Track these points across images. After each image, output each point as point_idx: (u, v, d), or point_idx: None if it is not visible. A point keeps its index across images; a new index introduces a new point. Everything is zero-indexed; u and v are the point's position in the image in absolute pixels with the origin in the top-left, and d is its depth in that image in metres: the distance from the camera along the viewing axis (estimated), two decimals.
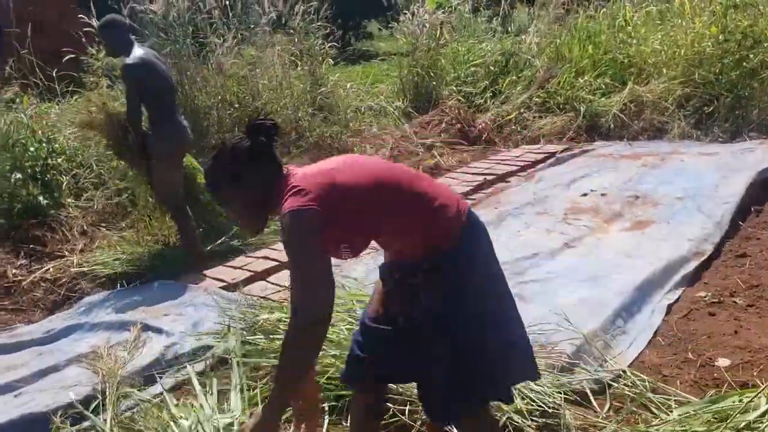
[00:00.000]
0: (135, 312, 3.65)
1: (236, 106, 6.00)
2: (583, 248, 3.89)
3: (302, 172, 1.75)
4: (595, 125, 6.56)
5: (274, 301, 3.48)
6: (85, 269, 4.30)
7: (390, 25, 9.29)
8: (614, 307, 3.09)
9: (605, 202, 4.58)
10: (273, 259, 4.18)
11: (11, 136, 4.95)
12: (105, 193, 5.10)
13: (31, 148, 5.00)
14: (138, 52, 3.94)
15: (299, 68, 6.44)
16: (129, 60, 3.88)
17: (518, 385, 2.26)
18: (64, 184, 5.07)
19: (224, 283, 3.90)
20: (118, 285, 4.05)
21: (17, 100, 5.23)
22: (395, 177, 1.78)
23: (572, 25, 7.75)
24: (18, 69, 5.47)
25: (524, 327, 1.88)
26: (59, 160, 5.18)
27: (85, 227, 4.86)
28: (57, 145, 5.19)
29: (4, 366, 3.25)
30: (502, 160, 5.95)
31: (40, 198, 4.82)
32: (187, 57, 5.78)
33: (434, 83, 7.28)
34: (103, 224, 4.90)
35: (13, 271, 4.32)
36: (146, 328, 3.40)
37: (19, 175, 4.81)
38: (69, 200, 5.02)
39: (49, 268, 4.36)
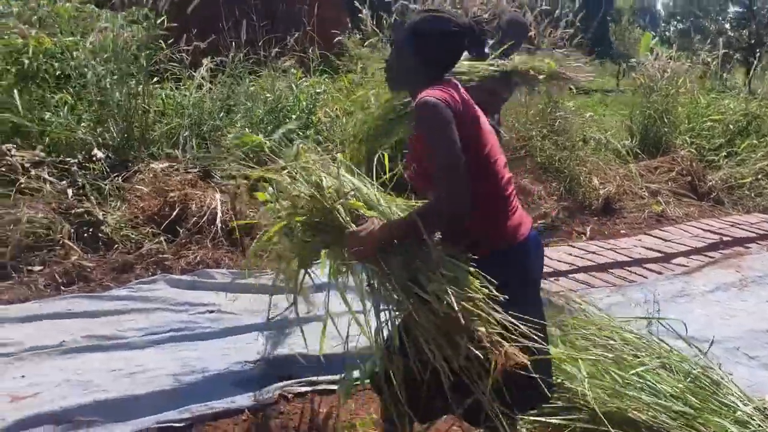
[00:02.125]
0: None
1: None
2: None
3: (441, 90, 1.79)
4: None
5: None
6: None
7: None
8: None
9: None
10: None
11: (281, 101, 5.50)
12: None
13: (293, 116, 5.52)
14: None
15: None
16: None
17: None
18: None
19: None
20: None
21: (292, 70, 5.80)
22: (498, 149, 1.91)
23: None
24: (300, 42, 6.05)
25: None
26: (310, 132, 5.66)
27: None
28: (314, 118, 5.67)
29: None
30: (735, 223, 5.58)
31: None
32: None
33: (666, 130, 6.99)
34: None
35: None
36: None
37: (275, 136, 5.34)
38: None
39: None
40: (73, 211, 4.12)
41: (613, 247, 4.73)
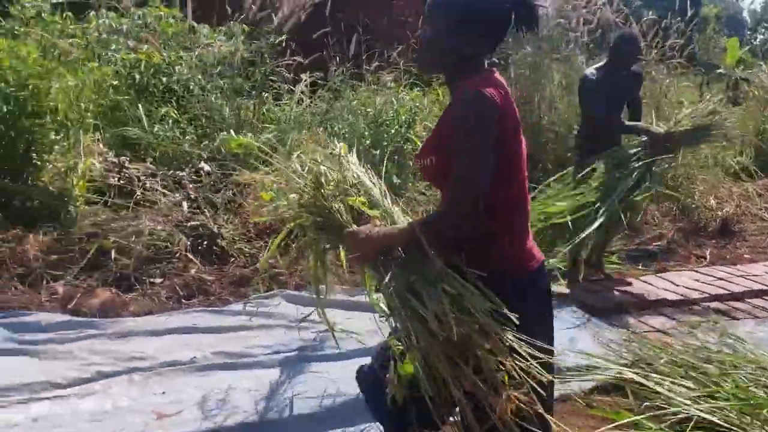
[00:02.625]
0: None
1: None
2: None
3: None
4: None
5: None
6: None
7: None
8: None
9: None
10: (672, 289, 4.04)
11: (381, 116, 5.44)
12: None
13: (392, 130, 5.45)
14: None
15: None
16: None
17: None
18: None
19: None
20: None
21: (392, 84, 5.74)
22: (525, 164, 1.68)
23: None
24: (403, 55, 6.00)
25: None
26: (407, 147, 5.57)
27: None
28: (411, 132, 5.58)
29: None
30: None
31: (394, 177, 5.21)
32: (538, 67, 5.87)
33: None
34: None
35: None
36: None
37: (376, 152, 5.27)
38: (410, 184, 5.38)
39: None
40: (188, 224, 4.15)
41: (744, 273, 4.40)
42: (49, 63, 4.05)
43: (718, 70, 11.00)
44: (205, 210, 4.34)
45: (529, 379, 1.44)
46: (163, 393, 2.69)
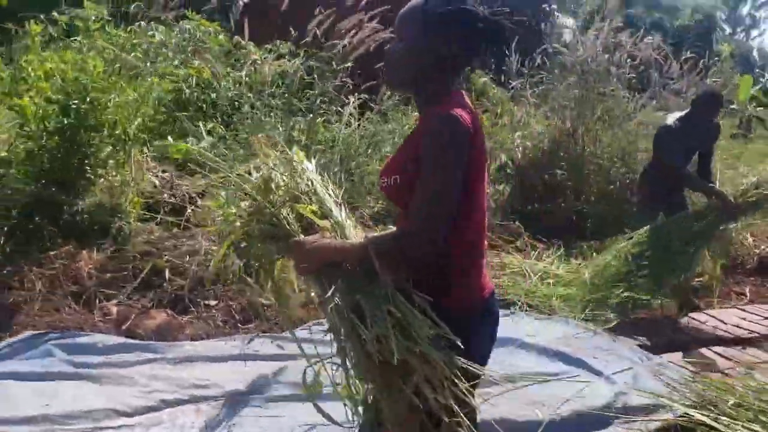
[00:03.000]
0: (560, 341, 3.61)
1: (620, 161, 5.88)
2: None
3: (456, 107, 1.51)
4: None
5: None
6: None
7: None
8: None
9: None
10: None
11: None
12: None
13: None
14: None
15: None
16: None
17: None
18: None
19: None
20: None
21: None
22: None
23: None
24: None
25: None
26: None
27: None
28: None
29: None
30: None
31: None
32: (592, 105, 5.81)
33: None
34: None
35: None
36: (579, 363, 3.36)
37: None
38: None
39: None
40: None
41: None
42: (110, 77, 4.01)
43: (732, 106, 11.08)
44: None
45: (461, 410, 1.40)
46: (233, 425, 2.58)
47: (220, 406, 2.72)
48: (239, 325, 3.56)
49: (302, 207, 1.68)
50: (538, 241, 5.24)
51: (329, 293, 1.50)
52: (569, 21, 8.81)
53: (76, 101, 3.72)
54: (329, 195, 1.76)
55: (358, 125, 5.57)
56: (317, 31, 4.97)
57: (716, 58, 7.54)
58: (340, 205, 1.75)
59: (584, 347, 3.56)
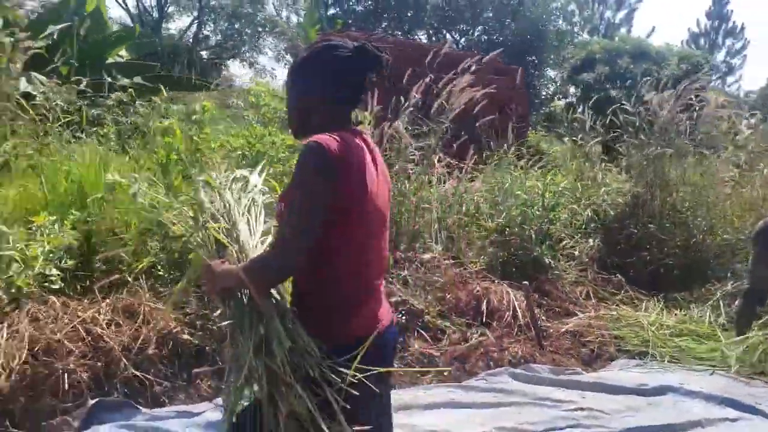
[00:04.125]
0: (720, 389, 3.79)
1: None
2: None
3: (353, 141, 1.60)
4: None
5: None
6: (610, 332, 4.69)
7: None
8: None
9: None
10: None
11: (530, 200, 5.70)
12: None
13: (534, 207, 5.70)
14: None
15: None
16: None
17: None
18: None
19: None
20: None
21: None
22: (380, 228, 1.67)
23: None
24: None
25: None
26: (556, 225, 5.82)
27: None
28: (553, 214, 5.83)
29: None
30: None
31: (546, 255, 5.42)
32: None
33: None
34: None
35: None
36: (750, 410, 3.55)
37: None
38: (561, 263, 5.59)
39: (569, 323, 4.81)
40: (393, 299, 4.27)
41: None
42: None
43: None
44: (397, 283, 4.48)
45: None
46: None
47: None
48: (418, 375, 3.75)
49: (212, 227, 1.80)
50: (638, 293, 5.53)
51: (220, 313, 1.70)
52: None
53: None
54: (248, 220, 1.86)
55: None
56: (416, 96, 5.25)
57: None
58: (252, 233, 1.82)
59: (743, 394, 3.75)
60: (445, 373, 3.78)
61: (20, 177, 4.52)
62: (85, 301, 3.74)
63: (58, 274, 3.79)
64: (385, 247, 1.75)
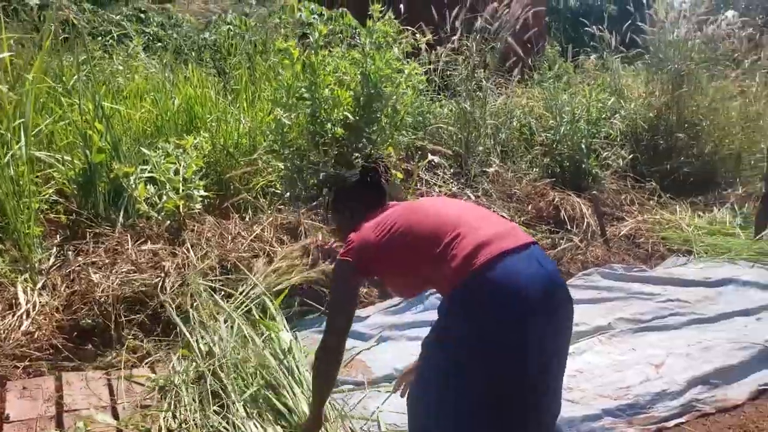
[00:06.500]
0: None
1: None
2: None
3: (371, 222, 1.98)
4: None
5: None
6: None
7: None
8: None
9: None
10: None
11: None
12: None
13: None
14: None
15: None
16: None
17: None
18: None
19: None
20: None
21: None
22: (451, 225, 1.78)
23: None
24: None
25: None
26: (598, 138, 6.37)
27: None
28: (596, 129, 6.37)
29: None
30: None
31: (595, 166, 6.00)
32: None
33: None
34: None
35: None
36: None
37: None
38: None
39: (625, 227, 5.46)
40: None
41: None
42: None
43: None
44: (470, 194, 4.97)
45: None
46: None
47: (610, 338, 3.54)
48: None
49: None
50: (668, 199, 6.23)
51: None
52: None
53: None
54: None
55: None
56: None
57: None
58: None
59: None
60: None
61: (132, 98, 4.62)
62: (232, 220, 4.05)
63: (205, 195, 4.07)
64: (481, 216, 1.87)
